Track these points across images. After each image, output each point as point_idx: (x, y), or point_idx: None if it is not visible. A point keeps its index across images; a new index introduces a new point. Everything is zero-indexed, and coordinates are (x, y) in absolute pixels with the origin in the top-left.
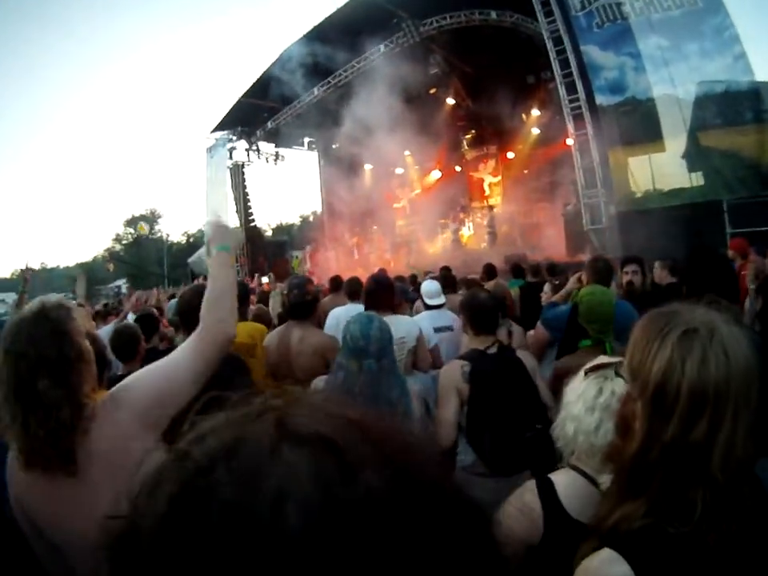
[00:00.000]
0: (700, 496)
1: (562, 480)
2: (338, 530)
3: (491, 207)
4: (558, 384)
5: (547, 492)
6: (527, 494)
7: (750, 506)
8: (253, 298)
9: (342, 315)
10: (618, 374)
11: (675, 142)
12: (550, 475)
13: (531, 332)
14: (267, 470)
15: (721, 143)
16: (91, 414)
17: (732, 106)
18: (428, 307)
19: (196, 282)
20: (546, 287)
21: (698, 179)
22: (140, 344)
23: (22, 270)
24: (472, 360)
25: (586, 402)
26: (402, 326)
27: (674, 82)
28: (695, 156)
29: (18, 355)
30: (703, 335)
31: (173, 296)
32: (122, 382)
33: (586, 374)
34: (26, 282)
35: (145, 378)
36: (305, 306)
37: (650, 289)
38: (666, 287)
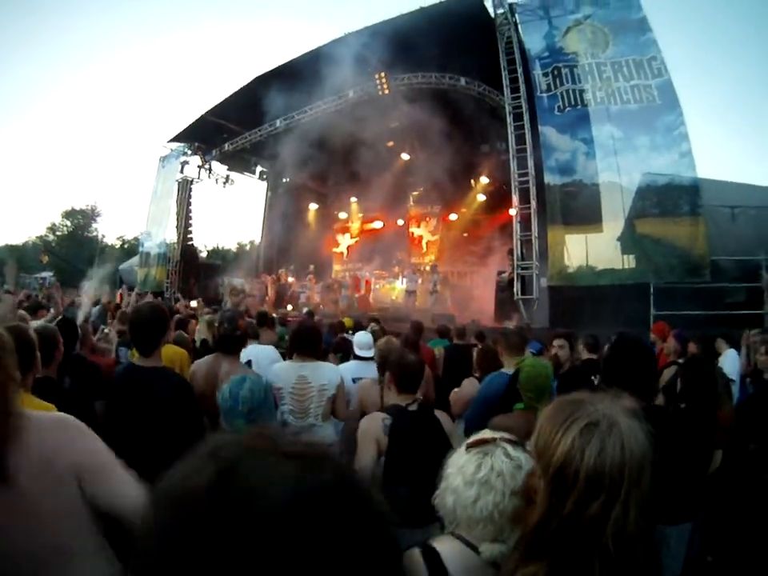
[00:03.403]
0: (596, 563)
1: (446, 548)
2: None
3: (435, 266)
4: None
5: (433, 561)
6: (413, 563)
7: (642, 572)
8: None
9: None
10: (520, 446)
11: (612, 226)
12: (433, 543)
13: (456, 389)
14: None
15: (655, 231)
16: (24, 423)
17: (671, 198)
18: (356, 357)
19: (124, 291)
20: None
21: (629, 262)
22: (57, 349)
23: None
24: (393, 414)
25: (465, 477)
26: (325, 374)
27: (620, 170)
28: (629, 240)
29: None
30: (603, 428)
31: (96, 302)
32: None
33: (467, 448)
34: None
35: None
36: (234, 340)
37: (578, 364)
38: (584, 363)
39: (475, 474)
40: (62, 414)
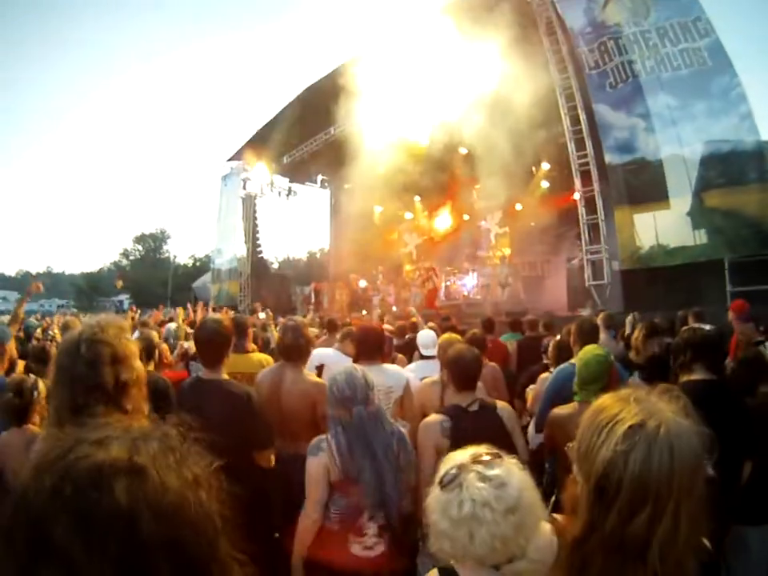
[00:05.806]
0: None
1: (468, 570)
2: None
3: (504, 258)
4: (551, 431)
5: None
6: None
7: None
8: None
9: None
10: (496, 456)
11: (680, 201)
12: (453, 564)
13: (532, 386)
14: None
15: (724, 203)
16: None
17: (736, 166)
18: (422, 357)
19: (198, 306)
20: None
21: (701, 237)
22: None
23: (31, 275)
24: (452, 416)
25: (452, 518)
26: (390, 376)
27: (681, 141)
28: (699, 215)
29: (74, 378)
30: (649, 431)
31: (170, 319)
32: None
33: (441, 486)
34: (29, 293)
35: None
36: (298, 348)
37: (657, 350)
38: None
39: (459, 512)
40: None
